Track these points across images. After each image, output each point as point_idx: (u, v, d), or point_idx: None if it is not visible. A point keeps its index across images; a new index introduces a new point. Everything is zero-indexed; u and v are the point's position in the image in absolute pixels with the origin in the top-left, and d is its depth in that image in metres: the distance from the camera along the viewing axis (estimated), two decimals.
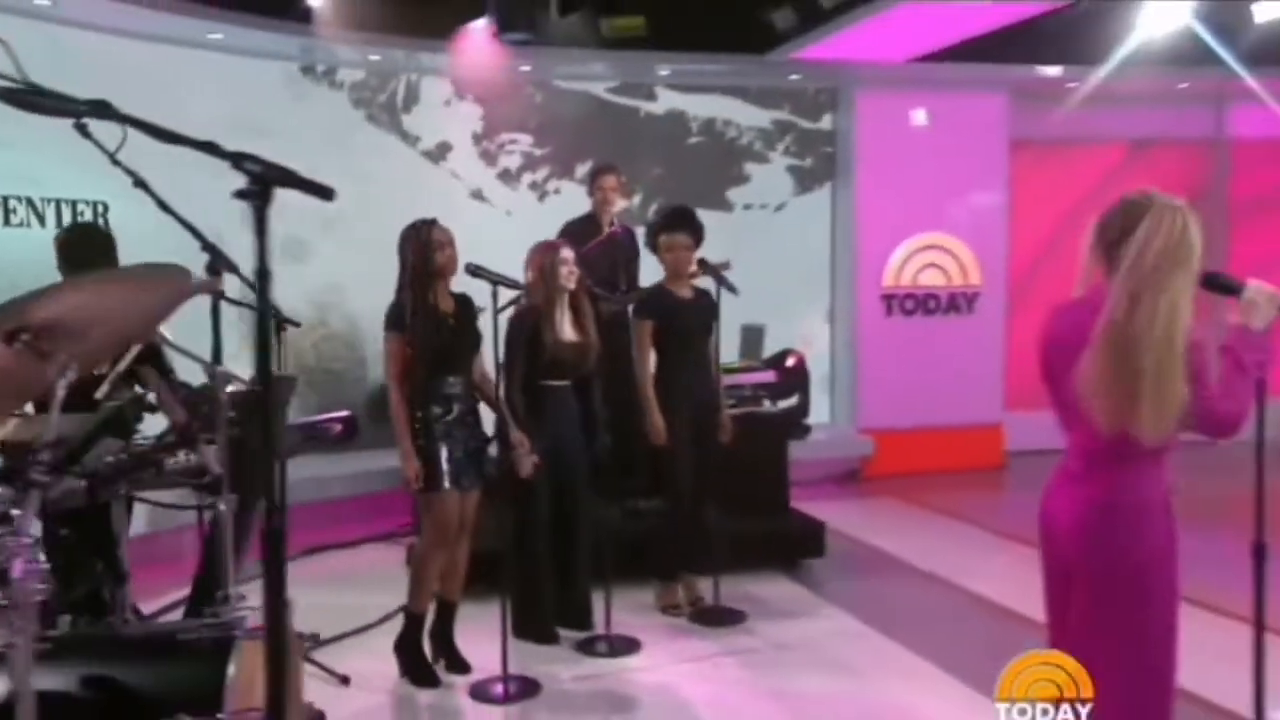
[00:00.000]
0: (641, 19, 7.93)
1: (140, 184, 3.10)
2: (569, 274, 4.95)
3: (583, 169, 9.11)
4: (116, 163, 3.25)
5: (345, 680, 4.59)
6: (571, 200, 8.82)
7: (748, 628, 5.34)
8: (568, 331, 5.00)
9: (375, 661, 4.70)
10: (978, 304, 9.57)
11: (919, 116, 9.51)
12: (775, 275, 9.26)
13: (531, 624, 5.05)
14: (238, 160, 1.77)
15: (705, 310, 5.46)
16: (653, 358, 5.38)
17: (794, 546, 6.33)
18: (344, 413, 4.62)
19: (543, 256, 4.99)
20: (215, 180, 6.66)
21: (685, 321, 5.40)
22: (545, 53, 8.54)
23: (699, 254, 5.48)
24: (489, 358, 4.60)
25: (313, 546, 6.46)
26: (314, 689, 4.49)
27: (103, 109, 2.26)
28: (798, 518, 6.52)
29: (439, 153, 8.79)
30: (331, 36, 7.65)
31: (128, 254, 6.92)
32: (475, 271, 4.43)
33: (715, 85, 9.39)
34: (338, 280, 8.21)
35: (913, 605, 5.77)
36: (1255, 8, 7.70)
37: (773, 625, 5.36)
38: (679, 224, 5.46)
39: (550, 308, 4.94)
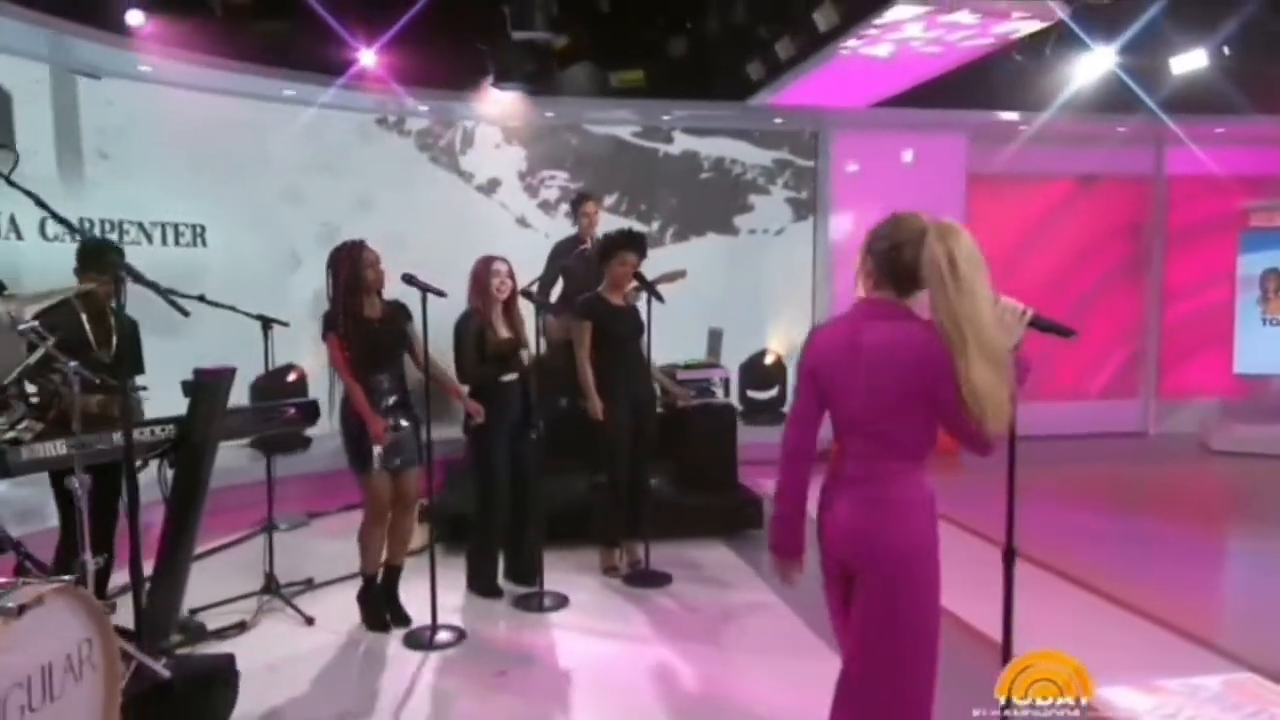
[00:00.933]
0: (641, 72, 7.47)
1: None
2: (500, 284, 4.59)
3: (610, 199, 8.83)
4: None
5: (310, 621, 4.35)
6: (603, 224, 8.54)
7: (670, 590, 4.87)
8: (502, 330, 4.62)
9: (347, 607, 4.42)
10: None
11: (907, 156, 8.97)
12: (769, 287, 8.88)
13: (480, 580, 4.73)
14: None
15: (635, 316, 5.03)
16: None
17: (734, 518, 5.80)
18: (306, 399, 4.36)
19: (480, 269, 4.62)
20: (296, 209, 6.44)
21: (619, 325, 4.97)
22: (575, 102, 8.14)
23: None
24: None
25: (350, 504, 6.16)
26: (286, 624, 4.36)
27: None
28: (742, 493, 5.99)
29: (490, 187, 8.54)
30: (402, 93, 7.39)
31: (223, 266, 6.87)
32: (409, 280, 4.09)
33: (722, 129, 8.88)
34: (399, 293, 7.91)
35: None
36: (1173, 61, 6.98)
37: (693, 590, 4.88)
38: (630, 244, 5.02)
39: (487, 311, 4.58)
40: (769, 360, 8.60)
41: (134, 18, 5.61)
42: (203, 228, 6.69)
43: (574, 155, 8.74)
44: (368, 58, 6.74)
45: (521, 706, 3.61)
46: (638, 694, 3.69)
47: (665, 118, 8.65)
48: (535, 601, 4.60)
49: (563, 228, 8.59)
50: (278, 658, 3.99)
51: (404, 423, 4.23)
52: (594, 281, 5.71)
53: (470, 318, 4.61)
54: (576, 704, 3.63)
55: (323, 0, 6.11)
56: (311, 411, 4.22)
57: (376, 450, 4.07)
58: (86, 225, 5.98)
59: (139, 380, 4.17)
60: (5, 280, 4.11)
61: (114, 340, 4.01)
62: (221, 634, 4.20)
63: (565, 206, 8.77)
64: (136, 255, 6.15)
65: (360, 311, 4.15)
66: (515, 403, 4.68)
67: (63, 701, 2.33)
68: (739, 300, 8.69)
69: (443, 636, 4.15)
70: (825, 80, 6.75)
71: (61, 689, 2.33)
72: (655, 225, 8.89)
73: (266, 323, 4.44)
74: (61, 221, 3.33)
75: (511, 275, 4.67)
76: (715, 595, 4.82)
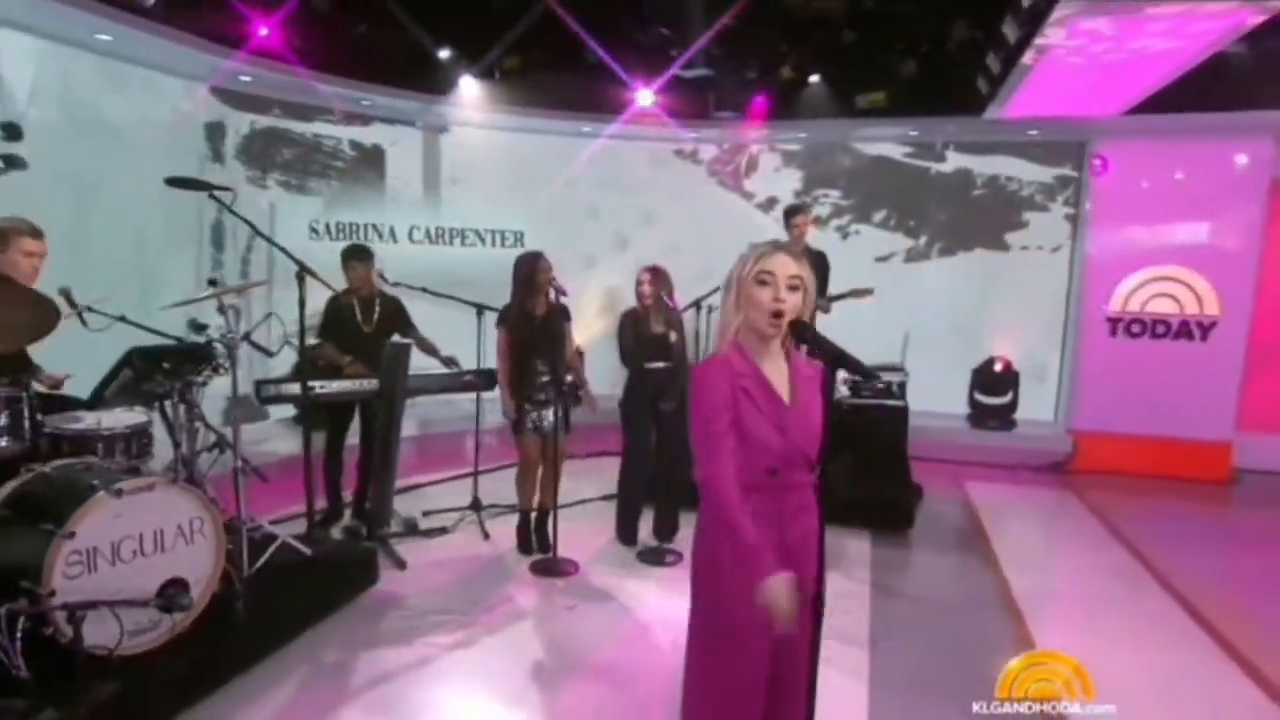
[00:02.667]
0: (883, 93, 6.73)
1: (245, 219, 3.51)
2: (641, 292, 4.50)
3: (879, 215, 8.16)
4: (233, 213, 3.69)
5: (486, 536, 4.73)
6: (870, 240, 7.99)
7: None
8: (655, 326, 4.54)
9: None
10: (1215, 332, 6.81)
11: (1183, 165, 7.00)
12: (1024, 299, 7.56)
13: (621, 530, 4.78)
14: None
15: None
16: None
17: (886, 513, 5.13)
18: (484, 368, 4.73)
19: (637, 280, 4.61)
20: (594, 221, 6.52)
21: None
22: (847, 124, 7.51)
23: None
24: None
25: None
26: (472, 536, 4.77)
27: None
28: (904, 491, 5.30)
29: (768, 205, 8.30)
30: (675, 125, 7.51)
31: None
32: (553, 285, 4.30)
33: (1000, 146, 7.66)
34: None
35: (915, 587, 4.46)
36: None
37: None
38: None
39: (642, 310, 4.54)
40: (998, 367, 7.36)
41: (467, 86, 6.42)
42: (521, 233, 7.47)
43: (846, 175, 8.19)
44: (646, 98, 6.95)
45: (557, 638, 3.62)
46: (652, 658, 3.48)
47: (936, 138, 7.67)
48: (657, 555, 4.55)
49: (832, 241, 8.17)
50: (443, 558, 4.46)
51: (542, 397, 4.38)
52: None
53: (629, 314, 4.64)
54: (594, 650, 3.53)
55: (611, 52, 6.42)
56: (489, 379, 4.61)
57: (528, 418, 4.32)
58: (438, 232, 7.07)
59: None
60: (388, 272, 4.81)
61: (375, 318, 4.74)
62: (427, 533, 4.79)
63: (835, 222, 8.35)
64: (473, 254, 7.22)
65: (531, 309, 4.42)
66: (664, 386, 4.60)
67: (173, 553, 2.92)
68: (988, 310, 7.57)
69: (559, 568, 4.29)
70: (1051, 89, 5.56)
71: (173, 545, 2.92)
72: (922, 240, 8.02)
73: (480, 309, 4.89)
74: (272, 243, 3.91)
75: (652, 284, 4.57)
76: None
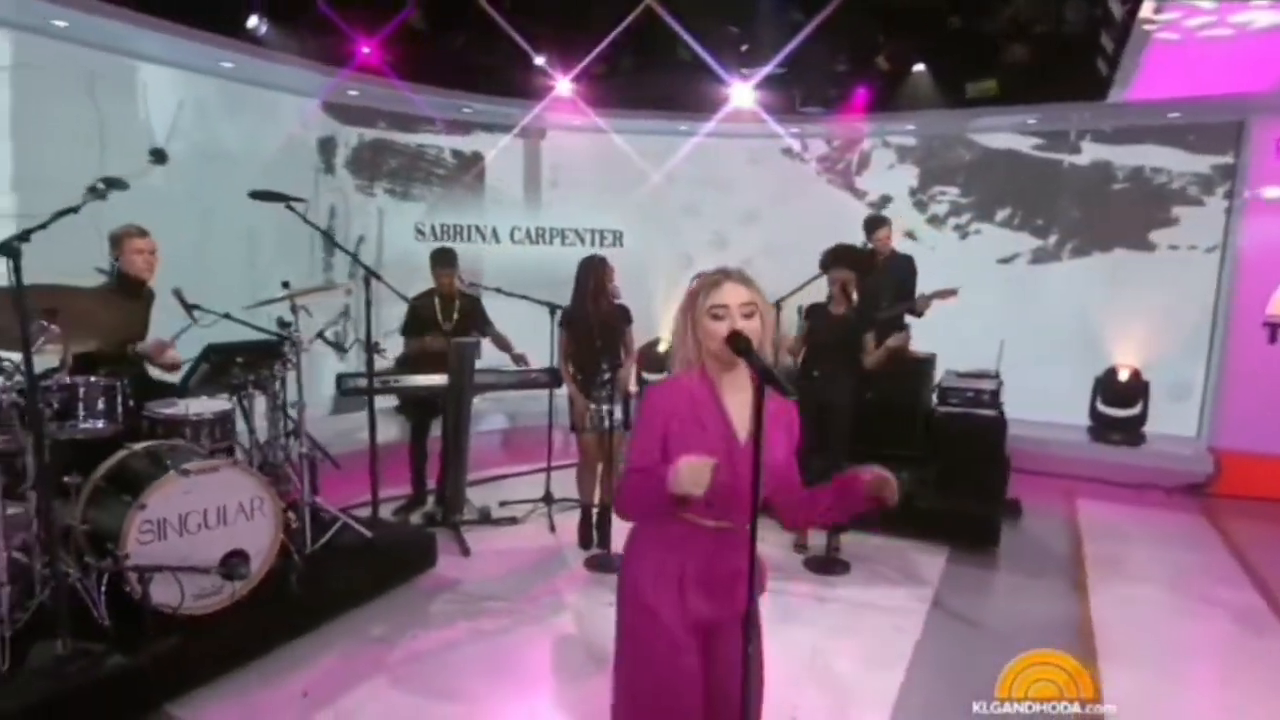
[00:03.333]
0: (994, 81, 6.31)
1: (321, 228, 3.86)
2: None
3: (1002, 213, 7.70)
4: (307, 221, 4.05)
5: (553, 529, 4.94)
6: (991, 240, 7.58)
7: (829, 579, 4.40)
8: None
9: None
10: None
11: None
12: (1165, 303, 6.87)
13: None
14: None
15: (843, 327, 4.57)
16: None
17: (968, 528, 4.89)
18: (549, 367, 4.92)
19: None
20: (693, 220, 6.75)
21: (823, 333, 4.61)
22: (959, 115, 7.10)
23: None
24: None
25: None
26: (539, 527, 4.98)
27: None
28: (992, 508, 5.01)
29: (880, 203, 8.02)
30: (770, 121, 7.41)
31: (634, 262, 7.75)
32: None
33: (1146, 133, 6.98)
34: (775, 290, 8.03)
35: (979, 611, 4.17)
36: None
37: (850, 584, 4.35)
38: (841, 261, 4.60)
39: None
40: (1124, 376, 6.74)
41: (564, 88, 6.67)
42: (620, 233, 7.66)
43: (966, 170, 7.78)
44: (742, 95, 6.92)
45: (593, 632, 3.72)
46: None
47: (1063, 125, 7.11)
48: None
49: (949, 241, 7.81)
50: (506, 547, 4.71)
51: (603, 395, 4.46)
52: (888, 289, 5.36)
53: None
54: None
55: (707, 49, 6.45)
56: (555, 376, 4.81)
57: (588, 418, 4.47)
58: (539, 232, 7.39)
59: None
60: (485, 271, 5.24)
61: (454, 317, 5.06)
62: (498, 523, 5.07)
63: (953, 220, 7.95)
64: (573, 253, 7.39)
65: (593, 311, 4.57)
66: None
67: (235, 527, 3.31)
68: (1120, 315, 6.97)
69: (612, 564, 4.37)
70: (1185, 64, 5.04)
71: (234, 520, 3.31)
72: (1052, 240, 7.48)
73: (553, 309, 5.08)
74: (342, 249, 4.27)
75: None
76: (861, 593, 4.24)
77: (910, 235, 7.87)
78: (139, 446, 3.36)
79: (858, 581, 4.40)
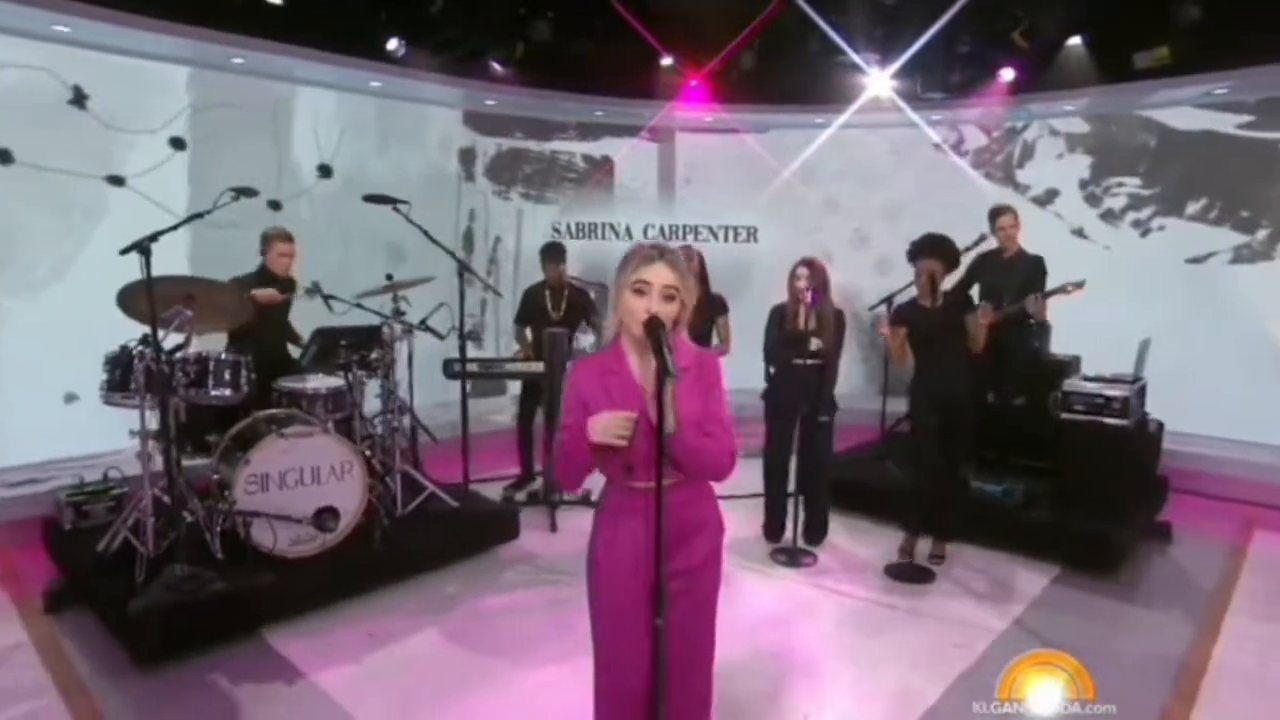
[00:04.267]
0: (1167, 49, 5.64)
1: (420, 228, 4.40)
2: (797, 285, 4.57)
3: (1194, 205, 6.89)
4: (407, 217, 4.57)
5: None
6: (1178, 236, 6.86)
7: (906, 587, 4.27)
8: (801, 322, 4.58)
9: None
10: None
11: None
12: None
13: (766, 528, 4.88)
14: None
15: (943, 317, 4.40)
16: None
17: (1085, 549, 4.49)
18: None
19: (791, 272, 4.66)
20: (832, 216, 7.07)
21: (925, 328, 4.43)
22: (1128, 91, 6.42)
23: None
24: None
25: None
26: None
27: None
28: (1119, 528, 4.60)
29: (1046, 198, 7.47)
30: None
31: (768, 259, 7.78)
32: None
33: None
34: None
35: (1066, 638, 3.76)
36: None
37: (932, 595, 4.19)
38: (928, 251, 4.46)
39: (790, 305, 4.63)
40: None
41: (694, 88, 6.90)
42: (754, 229, 7.73)
43: (1150, 157, 7.03)
44: (880, 85, 6.76)
45: None
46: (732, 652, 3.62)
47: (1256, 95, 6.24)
48: (791, 557, 4.60)
49: (1126, 238, 7.12)
50: (584, 532, 5.02)
51: None
52: (1010, 289, 5.14)
53: (777, 310, 4.74)
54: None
55: (844, 37, 6.40)
56: None
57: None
58: (673, 229, 7.65)
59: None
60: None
61: (563, 307, 5.47)
62: (594, 505, 5.40)
63: (1131, 215, 7.21)
64: (706, 250, 7.64)
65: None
66: (808, 385, 4.60)
67: (327, 486, 3.89)
68: None
69: None
70: None
71: (326, 480, 3.90)
72: (1261, 235, 6.59)
73: None
74: (442, 247, 4.73)
75: (810, 278, 4.63)
76: (935, 603, 4.07)
77: (1079, 234, 7.27)
78: (263, 413, 4.04)
79: (939, 592, 4.25)
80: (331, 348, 4.22)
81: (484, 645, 3.60)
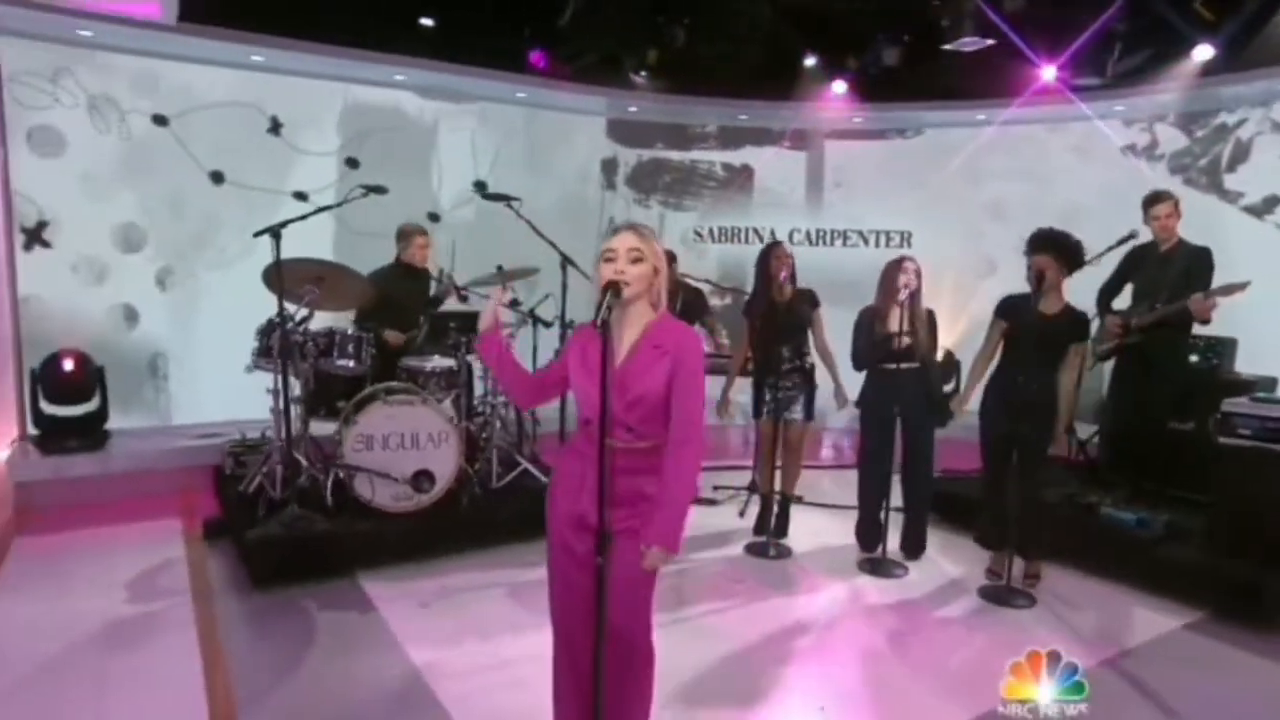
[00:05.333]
0: None
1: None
2: (906, 282, 4.44)
3: None
4: (519, 214, 5.03)
5: (741, 514, 5.32)
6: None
7: (994, 609, 4.07)
8: (893, 324, 4.47)
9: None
10: None
11: None
12: None
13: (859, 536, 4.79)
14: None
15: (1054, 323, 4.14)
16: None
17: (1238, 598, 4.01)
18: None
19: (890, 269, 4.57)
20: (998, 221, 6.93)
21: (1024, 330, 4.16)
22: None
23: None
24: None
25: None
26: (732, 510, 5.43)
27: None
28: (1262, 568, 4.05)
29: (1264, 206, 6.58)
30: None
31: (924, 267, 7.55)
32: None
33: None
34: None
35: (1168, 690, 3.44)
36: None
37: (1007, 626, 3.93)
38: (1041, 245, 4.20)
39: (883, 306, 4.54)
40: None
41: (839, 87, 6.91)
42: (908, 233, 7.51)
43: None
44: (1051, 75, 6.36)
45: (703, 609, 4.04)
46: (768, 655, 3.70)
47: None
48: (879, 567, 4.53)
49: None
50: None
51: (788, 384, 4.76)
52: (1166, 287, 4.81)
53: (867, 311, 4.64)
54: (721, 630, 3.92)
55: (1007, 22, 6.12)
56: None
57: (766, 405, 4.79)
58: (820, 234, 7.66)
59: None
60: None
61: (676, 308, 5.74)
62: (697, 501, 5.60)
63: None
64: (853, 255, 7.64)
65: (774, 297, 4.86)
66: (905, 389, 4.49)
67: (425, 451, 4.44)
68: None
69: (767, 552, 4.71)
70: None
71: (425, 445, 4.44)
72: None
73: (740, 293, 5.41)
74: (550, 243, 5.13)
75: (918, 274, 4.55)
76: (1015, 632, 3.81)
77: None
78: (382, 385, 4.69)
79: (1032, 619, 4.00)
80: (442, 329, 4.80)
81: (541, 605, 3.92)
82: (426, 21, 5.67)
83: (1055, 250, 4.17)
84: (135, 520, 4.79)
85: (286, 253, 4.05)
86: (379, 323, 4.89)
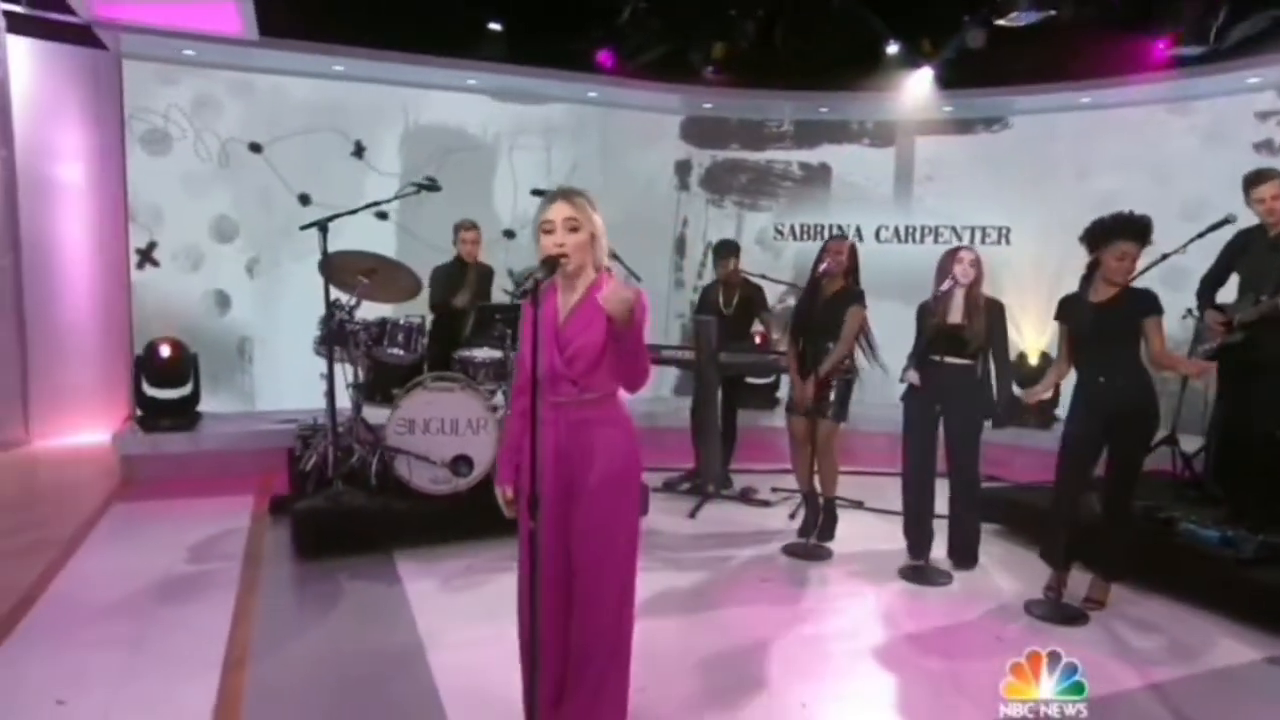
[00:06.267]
0: None
1: None
2: (963, 272, 4.32)
3: None
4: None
5: (792, 516, 5.27)
6: None
7: (1044, 627, 3.81)
8: (953, 317, 4.34)
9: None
10: None
11: None
12: None
13: (907, 540, 4.60)
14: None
15: (1114, 315, 3.85)
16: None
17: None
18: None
19: (945, 260, 4.44)
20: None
21: (1085, 326, 3.92)
22: None
23: None
24: None
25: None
26: (782, 512, 5.44)
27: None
28: None
29: None
30: None
31: (1021, 262, 7.16)
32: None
33: None
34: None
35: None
36: None
37: (1055, 642, 3.65)
38: (1125, 231, 3.92)
39: (941, 297, 4.37)
40: None
41: (924, 74, 6.73)
42: (1006, 229, 7.17)
43: None
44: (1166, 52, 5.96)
45: (724, 605, 4.09)
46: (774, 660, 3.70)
47: None
48: (920, 575, 4.38)
49: None
50: (729, 519, 5.32)
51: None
52: (1274, 276, 4.42)
53: (925, 305, 4.53)
54: (737, 628, 3.97)
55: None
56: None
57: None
58: (908, 231, 7.44)
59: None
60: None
61: (734, 302, 5.79)
62: (750, 501, 5.63)
63: None
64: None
65: (817, 291, 4.75)
66: (947, 385, 4.36)
67: (464, 437, 4.70)
68: None
69: (807, 552, 4.68)
70: None
71: (464, 431, 4.71)
72: None
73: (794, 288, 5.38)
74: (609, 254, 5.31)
75: (975, 264, 4.39)
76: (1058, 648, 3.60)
77: None
78: (431, 373, 5.01)
79: (1080, 638, 3.69)
80: (488, 321, 5.08)
81: None
82: (495, 26, 6.01)
83: (1134, 235, 3.91)
84: (214, 494, 5.35)
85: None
86: (448, 315, 5.26)
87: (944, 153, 7.56)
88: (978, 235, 7.36)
